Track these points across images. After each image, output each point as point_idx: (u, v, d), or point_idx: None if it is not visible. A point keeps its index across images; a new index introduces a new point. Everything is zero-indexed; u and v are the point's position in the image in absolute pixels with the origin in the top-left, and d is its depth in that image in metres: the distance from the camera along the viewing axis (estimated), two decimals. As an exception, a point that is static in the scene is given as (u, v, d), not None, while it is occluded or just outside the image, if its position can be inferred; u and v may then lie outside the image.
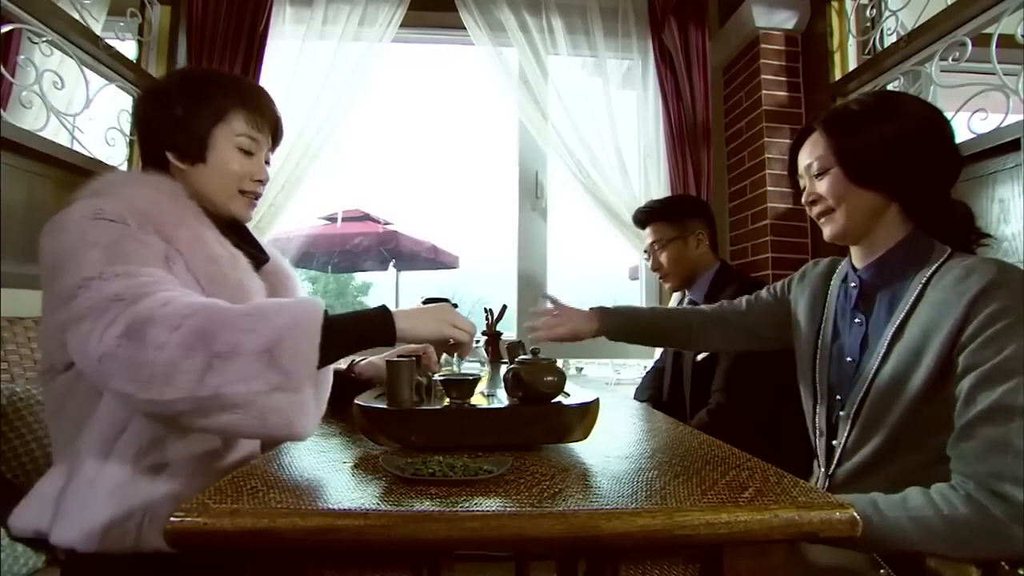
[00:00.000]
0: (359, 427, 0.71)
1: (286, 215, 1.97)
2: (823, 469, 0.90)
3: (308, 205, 2.11)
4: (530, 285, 2.17)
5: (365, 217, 3.48)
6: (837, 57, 1.87)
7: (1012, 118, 1.25)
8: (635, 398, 1.75)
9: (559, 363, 0.76)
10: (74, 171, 1.56)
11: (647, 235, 1.62)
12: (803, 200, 0.91)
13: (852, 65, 1.84)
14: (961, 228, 0.84)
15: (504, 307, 1.67)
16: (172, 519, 0.46)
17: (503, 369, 0.96)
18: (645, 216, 1.62)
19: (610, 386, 2.07)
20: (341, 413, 0.96)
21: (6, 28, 1.42)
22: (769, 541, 0.50)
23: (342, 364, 1.09)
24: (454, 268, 3.67)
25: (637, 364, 2.13)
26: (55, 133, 1.57)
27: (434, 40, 2.23)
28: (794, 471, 0.60)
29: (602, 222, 2.02)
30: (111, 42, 1.77)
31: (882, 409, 0.79)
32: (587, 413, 0.71)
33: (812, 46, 1.95)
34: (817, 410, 0.93)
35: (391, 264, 3.63)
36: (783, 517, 0.49)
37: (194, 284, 0.78)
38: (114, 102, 1.83)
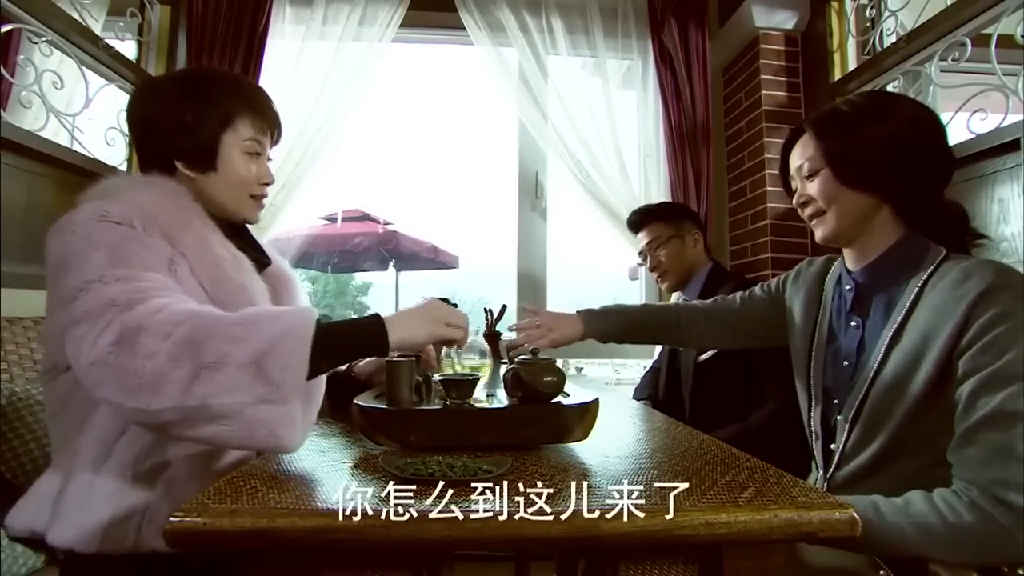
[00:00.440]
0: (358, 427, 0.71)
1: (286, 215, 1.97)
2: (821, 471, 0.90)
3: (308, 205, 2.11)
4: (530, 285, 2.17)
5: (365, 217, 3.48)
6: (837, 57, 1.87)
7: (1012, 118, 1.25)
8: (634, 398, 1.75)
9: (559, 363, 0.76)
10: (74, 171, 1.56)
11: (643, 237, 1.62)
12: (794, 202, 0.91)
13: (852, 65, 1.84)
14: (955, 229, 0.84)
15: (504, 307, 1.67)
16: (171, 519, 0.46)
17: (503, 369, 0.96)
18: (641, 217, 1.63)
19: (610, 386, 2.07)
20: (341, 413, 0.96)
21: (6, 28, 1.42)
22: (769, 541, 0.50)
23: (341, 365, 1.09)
24: (454, 268, 3.67)
25: (637, 364, 2.13)
26: (55, 133, 1.57)
27: (434, 40, 2.23)
28: (795, 472, 0.60)
29: (602, 222, 2.02)
30: (111, 42, 1.77)
31: (882, 412, 0.79)
32: (587, 413, 0.71)
33: (812, 46, 1.95)
34: (812, 412, 0.93)
35: (391, 264, 3.63)
36: (783, 517, 0.49)
37: (198, 288, 0.78)
38: (114, 102, 1.82)
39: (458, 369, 1.06)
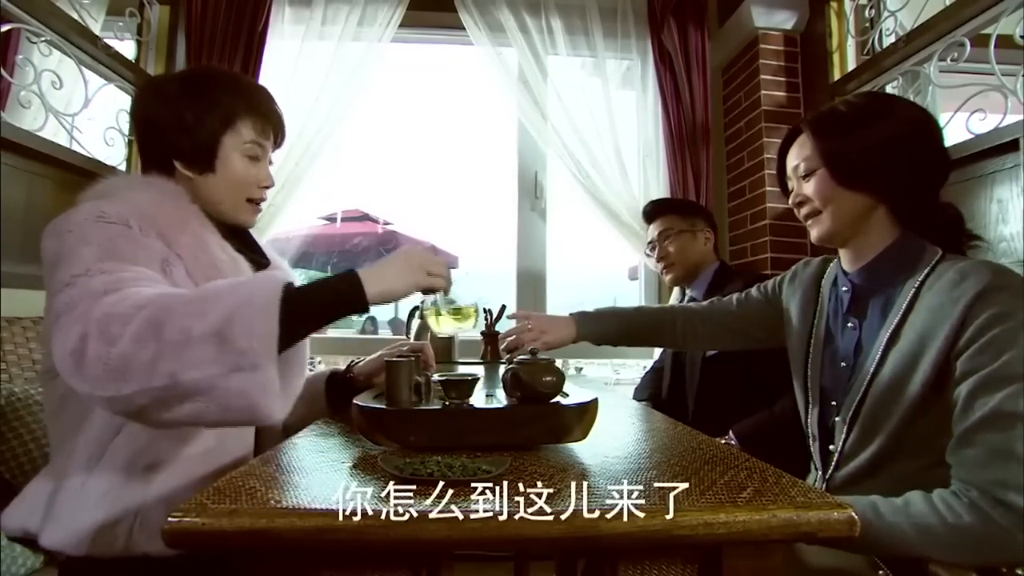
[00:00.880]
0: (358, 427, 0.71)
1: (286, 215, 1.97)
2: (820, 472, 0.90)
3: (308, 205, 2.10)
4: (529, 285, 2.17)
5: (364, 217, 3.47)
6: (836, 57, 1.88)
7: (1011, 118, 1.25)
8: (634, 398, 1.75)
9: (558, 363, 0.76)
10: (73, 171, 1.56)
11: (655, 227, 1.64)
12: (790, 202, 0.91)
13: (851, 65, 1.84)
14: (951, 230, 0.84)
15: (503, 307, 1.67)
16: (170, 519, 0.46)
17: (502, 369, 0.96)
18: (657, 208, 1.65)
19: (609, 386, 2.07)
20: (340, 413, 0.96)
21: (5, 28, 1.42)
22: (768, 541, 0.50)
23: (340, 365, 1.09)
24: (454, 268, 3.66)
25: (636, 364, 2.13)
26: (54, 133, 1.57)
27: (433, 40, 2.23)
28: (794, 473, 0.60)
29: (601, 222, 2.02)
30: (110, 42, 1.77)
31: (880, 414, 0.79)
32: (586, 413, 0.71)
33: (811, 46, 1.95)
34: (810, 413, 0.93)
35: (391, 264, 3.62)
36: (781, 517, 0.49)
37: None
38: (113, 102, 1.83)
39: (443, 316, 1.05)
